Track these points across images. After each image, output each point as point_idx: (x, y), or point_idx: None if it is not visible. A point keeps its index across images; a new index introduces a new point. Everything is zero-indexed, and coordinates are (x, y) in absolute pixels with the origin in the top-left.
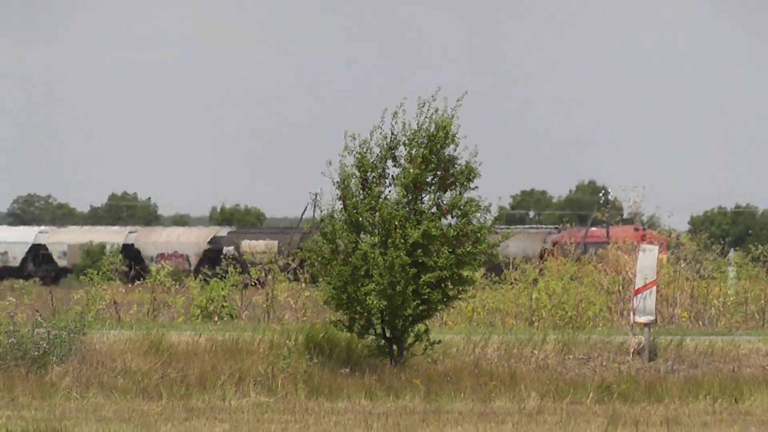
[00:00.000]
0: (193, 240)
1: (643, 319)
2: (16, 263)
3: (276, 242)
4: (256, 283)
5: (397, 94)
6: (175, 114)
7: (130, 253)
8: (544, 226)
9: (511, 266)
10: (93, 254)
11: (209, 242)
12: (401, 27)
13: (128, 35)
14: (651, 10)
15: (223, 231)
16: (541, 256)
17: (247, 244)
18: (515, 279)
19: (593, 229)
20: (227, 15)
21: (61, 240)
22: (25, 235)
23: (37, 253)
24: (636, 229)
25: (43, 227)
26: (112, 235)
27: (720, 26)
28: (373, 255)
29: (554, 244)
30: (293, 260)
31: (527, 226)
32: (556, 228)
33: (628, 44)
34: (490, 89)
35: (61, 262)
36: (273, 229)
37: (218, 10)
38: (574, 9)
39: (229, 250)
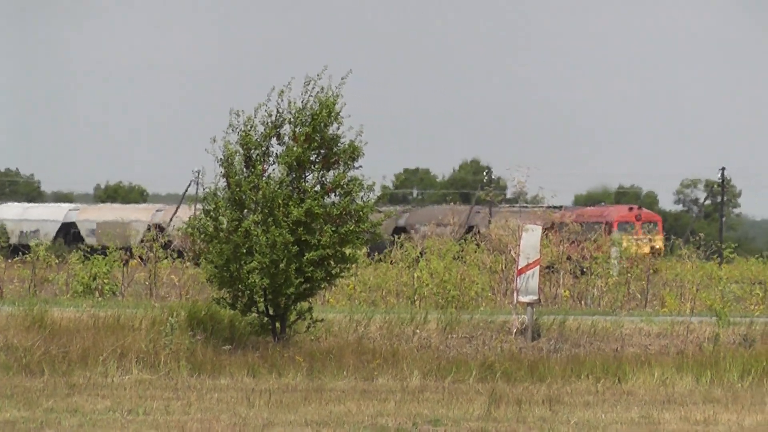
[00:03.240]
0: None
1: (526, 299)
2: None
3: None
4: (138, 260)
5: (287, 73)
6: (55, 90)
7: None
8: (545, 205)
9: (394, 244)
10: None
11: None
12: (290, 5)
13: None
14: None
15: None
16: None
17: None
18: (397, 257)
19: (589, 208)
20: None
21: (89, 218)
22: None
23: (68, 232)
24: (630, 209)
25: (74, 204)
26: (140, 213)
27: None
28: (255, 233)
29: (553, 223)
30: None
31: (528, 204)
32: (556, 207)
33: (515, 20)
34: (374, 68)
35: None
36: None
37: None
38: None
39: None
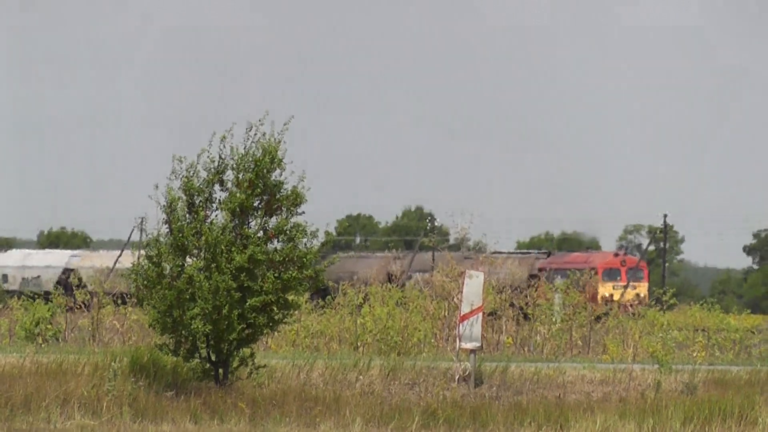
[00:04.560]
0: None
1: (469, 345)
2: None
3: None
4: (81, 306)
5: (228, 119)
6: None
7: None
8: (534, 251)
9: (336, 291)
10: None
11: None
12: (232, 52)
13: None
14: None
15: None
16: (529, 284)
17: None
18: (339, 304)
19: (575, 254)
20: (45, 29)
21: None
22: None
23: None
24: (616, 255)
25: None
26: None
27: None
28: (198, 279)
29: (540, 270)
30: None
31: (515, 251)
32: (544, 252)
33: (453, 63)
34: (317, 113)
35: None
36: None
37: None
38: (389, 28)
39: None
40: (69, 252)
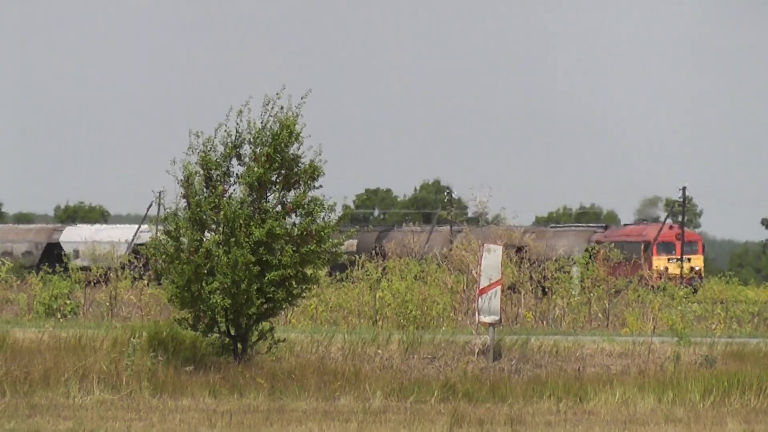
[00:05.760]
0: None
1: (487, 319)
2: None
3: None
4: (99, 281)
5: (246, 92)
6: (7, 110)
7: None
8: (592, 224)
9: (356, 265)
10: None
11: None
12: (249, 25)
13: None
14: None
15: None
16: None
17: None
18: (358, 278)
19: (630, 227)
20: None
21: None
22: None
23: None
24: (670, 227)
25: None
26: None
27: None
28: (217, 253)
29: (597, 243)
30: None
31: (573, 224)
32: (601, 225)
33: (476, 40)
34: (335, 87)
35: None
36: None
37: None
38: (411, 6)
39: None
40: (135, 227)
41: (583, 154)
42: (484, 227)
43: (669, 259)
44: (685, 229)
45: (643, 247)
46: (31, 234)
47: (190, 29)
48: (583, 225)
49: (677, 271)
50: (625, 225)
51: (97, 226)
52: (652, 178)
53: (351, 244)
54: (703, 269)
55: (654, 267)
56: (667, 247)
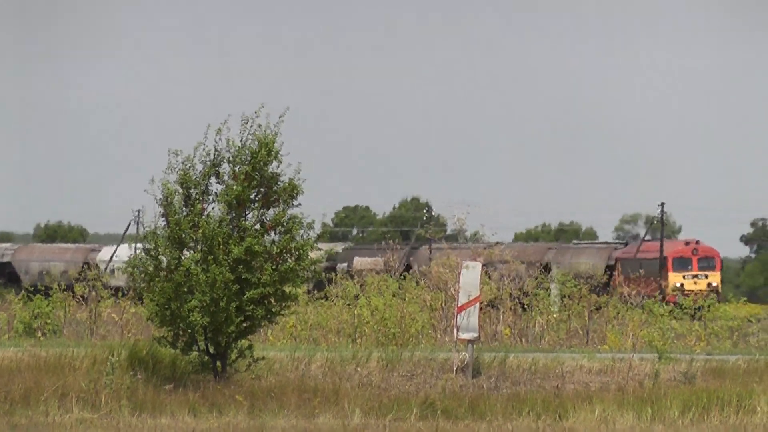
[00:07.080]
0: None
1: (466, 336)
2: None
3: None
4: (79, 300)
5: (225, 111)
6: None
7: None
8: (612, 242)
9: (334, 282)
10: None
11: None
12: (228, 44)
13: None
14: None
15: None
16: (610, 274)
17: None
18: (336, 295)
19: (648, 243)
20: (42, 20)
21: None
22: None
23: None
24: (687, 243)
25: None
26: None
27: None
28: (195, 271)
29: (617, 260)
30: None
31: (593, 241)
32: (622, 243)
33: (454, 59)
34: (313, 105)
35: None
36: None
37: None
38: (390, 26)
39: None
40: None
41: (564, 171)
42: (463, 244)
43: (684, 276)
44: (704, 244)
45: (660, 262)
46: (69, 253)
47: (169, 49)
48: (604, 242)
49: (693, 287)
50: (644, 241)
51: (133, 245)
52: (632, 195)
53: (377, 262)
54: (719, 285)
55: (670, 284)
56: (682, 263)
